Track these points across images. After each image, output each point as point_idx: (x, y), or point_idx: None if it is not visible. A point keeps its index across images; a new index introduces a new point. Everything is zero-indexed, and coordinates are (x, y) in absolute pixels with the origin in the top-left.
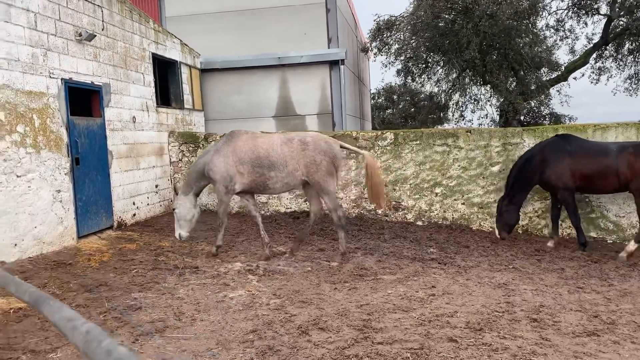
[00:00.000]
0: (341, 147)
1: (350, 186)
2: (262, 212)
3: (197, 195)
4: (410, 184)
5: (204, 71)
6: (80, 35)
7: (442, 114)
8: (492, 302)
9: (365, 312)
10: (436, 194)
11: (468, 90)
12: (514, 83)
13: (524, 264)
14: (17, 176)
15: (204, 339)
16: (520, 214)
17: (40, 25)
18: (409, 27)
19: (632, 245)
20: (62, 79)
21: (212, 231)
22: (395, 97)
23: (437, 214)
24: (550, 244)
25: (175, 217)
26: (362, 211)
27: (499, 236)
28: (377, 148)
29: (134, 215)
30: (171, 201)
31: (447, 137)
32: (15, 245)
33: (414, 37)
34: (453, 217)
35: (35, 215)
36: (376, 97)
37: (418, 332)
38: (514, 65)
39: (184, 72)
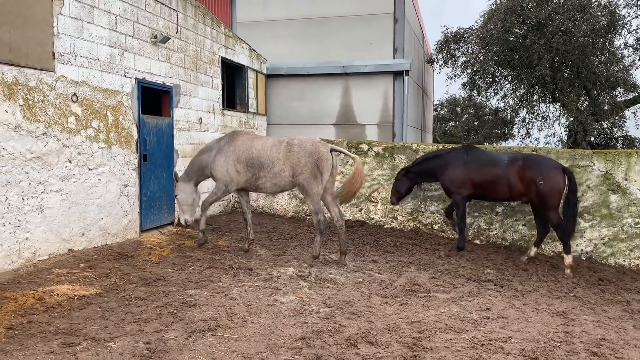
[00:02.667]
0: (332, 150)
1: (407, 198)
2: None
3: (196, 185)
4: (470, 202)
5: (269, 76)
6: (155, 37)
7: (507, 130)
8: (550, 330)
9: (416, 329)
10: (497, 212)
11: (536, 107)
12: (586, 102)
13: (586, 293)
14: (89, 169)
15: (254, 342)
16: (411, 188)
17: (120, 26)
18: (478, 40)
19: (567, 260)
20: (136, 79)
21: (266, 233)
22: (458, 109)
23: (496, 233)
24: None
25: (177, 203)
26: (417, 225)
27: (389, 200)
28: None
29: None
30: (230, 202)
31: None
32: (83, 234)
33: (482, 51)
34: (513, 238)
35: (103, 207)
36: (439, 109)
37: (469, 355)
38: (587, 84)
39: (251, 76)
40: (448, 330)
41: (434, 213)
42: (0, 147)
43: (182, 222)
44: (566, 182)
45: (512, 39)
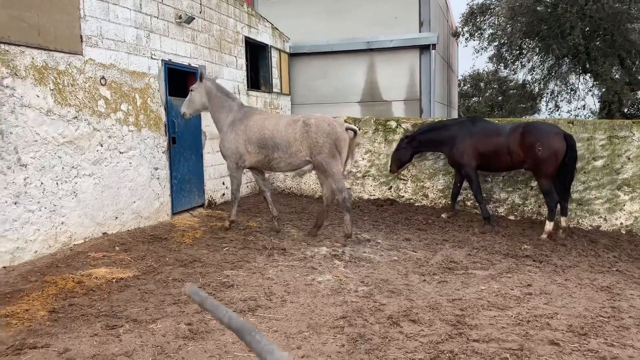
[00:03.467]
0: (347, 129)
1: (438, 175)
2: None
3: (207, 93)
4: (504, 176)
5: (292, 55)
6: (180, 17)
7: (535, 103)
8: (596, 305)
9: (458, 307)
10: (531, 187)
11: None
12: (620, 72)
13: (629, 267)
14: (120, 152)
15: (295, 321)
16: (412, 157)
17: (145, 7)
18: (506, 11)
19: (548, 225)
20: (162, 60)
21: (296, 214)
22: (482, 84)
23: (531, 208)
24: (444, 215)
25: (189, 95)
26: (449, 202)
27: (389, 169)
28: None
29: (223, 194)
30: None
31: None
32: (116, 218)
33: (510, 22)
34: None
35: (135, 191)
36: (461, 84)
37: (516, 332)
38: (621, 52)
39: (274, 56)
40: (491, 307)
41: (465, 189)
42: (33, 132)
43: (181, 112)
44: (565, 149)
45: (540, 8)
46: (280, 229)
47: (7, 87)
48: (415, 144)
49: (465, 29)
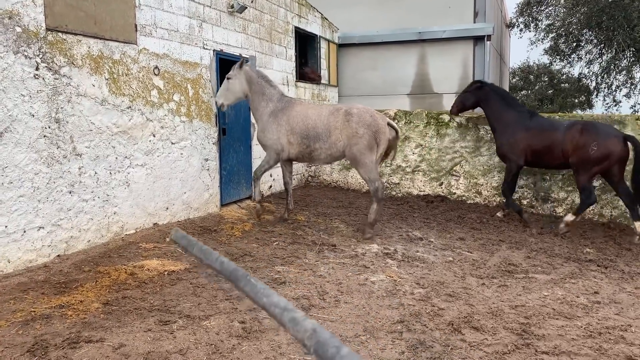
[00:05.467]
0: (388, 124)
1: (492, 172)
2: (394, 194)
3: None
4: (563, 175)
5: (340, 46)
6: (232, 7)
7: (590, 98)
8: None
9: (522, 314)
10: (593, 187)
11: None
12: None
13: None
14: (172, 143)
15: (350, 324)
16: (473, 106)
17: None
18: (566, 1)
19: (570, 217)
20: (214, 50)
21: (343, 208)
22: (532, 77)
23: (592, 209)
24: (499, 214)
25: (224, 84)
26: (504, 200)
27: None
28: None
29: (270, 187)
30: (303, 176)
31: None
32: (167, 208)
33: (571, 11)
34: (612, 215)
35: (186, 182)
36: (511, 77)
37: (588, 345)
38: None
39: (323, 46)
40: (557, 316)
41: (522, 188)
42: (88, 121)
43: (215, 101)
44: (628, 150)
45: None
46: (289, 218)
47: (64, 76)
48: (482, 95)
49: (521, 19)
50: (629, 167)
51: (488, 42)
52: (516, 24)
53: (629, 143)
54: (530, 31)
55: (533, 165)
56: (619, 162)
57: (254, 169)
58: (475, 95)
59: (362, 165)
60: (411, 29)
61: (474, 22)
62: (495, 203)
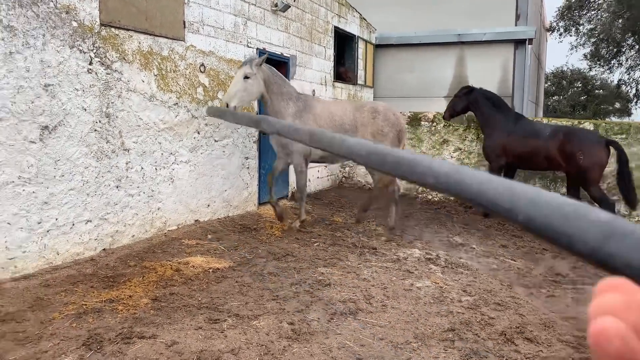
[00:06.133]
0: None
1: (534, 178)
2: (430, 197)
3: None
4: (608, 183)
5: (377, 46)
6: (276, 5)
7: (629, 105)
8: None
9: (575, 326)
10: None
11: None
12: None
13: None
14: (215, 140)
15: (400, 330)
16: (463, 110)
17: None
18: (613, 4)
19: None
20: (257, 49)
21: (380, 210)
22: (564, 83)
23: (638, 220)
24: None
25: (238, 84)
26: None
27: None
28: None
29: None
30: (337, 177)
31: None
32: (208, 205)
33: (612, 17)
34: None
35: (226, 179)
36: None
37: None
38: None
39: (360, 47)
40: None
41: (564, 195)
42: (137, 117)
43: (224, 102)
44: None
45: None
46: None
47: (115, 71)
48: (472, 99)
49: (561, 23)
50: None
51: (529, 45)
52: (556, 27)
53: (611, 148)
54: (570, 35)
55: (520, 167)
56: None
57: (290, 168)
58: (465, 100)
59: None
60: (450, 31)
61: (516, 25)
62: None
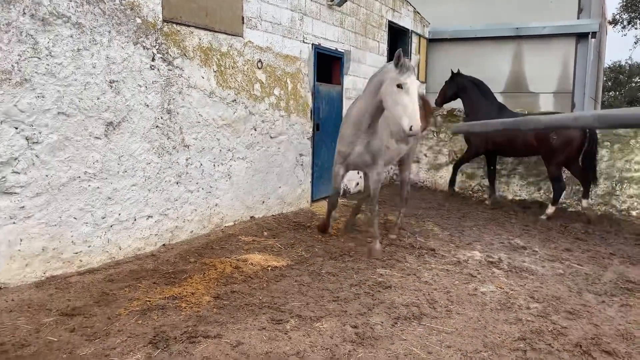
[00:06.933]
0: None
1: (599, 179)
2: (485, 197)
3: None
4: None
5: (430, 41)
6: (332, 0)
7: None
8: None
9: None
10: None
11: None
12: None
13: None
14: (271, 137)
15: (468, 337)
16: (453, 96)
17: None
18: None
19: (550, 209)
20: (312, 44)
21: (434, 210)
22: (622, 77)
23: None
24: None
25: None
26: (610, 210)
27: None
28: None
29: (357, 184)
30: (388, 174)
31: None
32: (263, 202)
33: None
34: None
35: (281, 176)
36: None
37: None
38: None
39: (414, 41)
40: None
41: (631, 197)
42: (196, 113)
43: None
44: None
45: None
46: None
47: (177, 67)
48: (460, 84)
49: (625, 15)
50: None
51: (592, 39)
52: (619, 20)
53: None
54: (636, 28)
55: (499, 154)
56: (579, 149)
57: None
58: (455, 85)
59: (410, 166)
60: (507, 25)
61: (578, 18)
62: (599, 212)
